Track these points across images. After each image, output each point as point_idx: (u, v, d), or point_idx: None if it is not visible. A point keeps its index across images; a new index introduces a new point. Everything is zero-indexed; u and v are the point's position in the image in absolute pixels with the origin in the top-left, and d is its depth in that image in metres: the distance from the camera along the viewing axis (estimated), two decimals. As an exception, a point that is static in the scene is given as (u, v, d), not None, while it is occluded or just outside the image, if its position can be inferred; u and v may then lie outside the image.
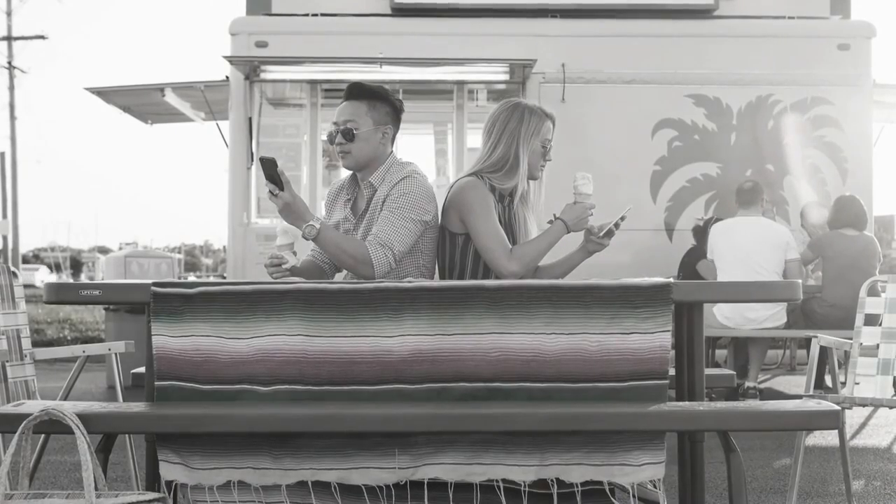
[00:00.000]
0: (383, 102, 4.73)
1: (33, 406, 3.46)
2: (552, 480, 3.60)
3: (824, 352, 5.29)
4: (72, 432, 3.30)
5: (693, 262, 9.91)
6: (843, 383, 6.43)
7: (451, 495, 3.62)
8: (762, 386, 9.73)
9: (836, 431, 5.68)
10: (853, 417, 8.42)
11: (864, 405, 4.95)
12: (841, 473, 5.55)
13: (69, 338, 17.52)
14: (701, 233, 10.15)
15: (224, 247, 12.12)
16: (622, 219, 4.65)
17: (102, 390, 10.50)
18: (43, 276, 61.73)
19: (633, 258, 10.02)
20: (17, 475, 3.44)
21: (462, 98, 11.56)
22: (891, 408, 5.03)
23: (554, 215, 4.70)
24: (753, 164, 10.87)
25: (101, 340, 15.15)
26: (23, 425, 3.31)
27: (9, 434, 3.36)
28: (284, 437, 3.62)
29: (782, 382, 11.41)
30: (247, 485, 3.65)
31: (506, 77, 11.09)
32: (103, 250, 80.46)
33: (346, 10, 11.24)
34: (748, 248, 8.85)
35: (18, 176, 37.49)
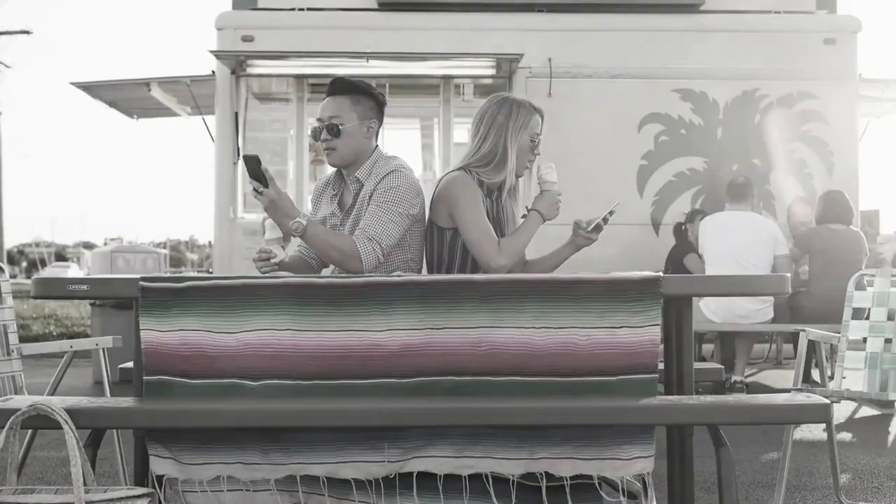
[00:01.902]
0: (367, 97, 4.72)
1: (21, 401, 3.44)
2: (541, 474, 3.60)
3: (811, 346, 5.29)
4: (60, 427, 3.28)
5: (679, 257, 9.93)
6: (831, 377, 6.45)
7: (440, 486, 3.62)
8: (748, 380, 9.73)
9: (824, 425, 5.70)
10: (839, 411, 8.45)
11: (851, 399, 4.97)
12: (828, 467, 5.56)
13: (55, 333, 17.49)
14: (679, 230, 10.21)
15: (210, 242, 12.12)
16: (611, 213, 4.64)
17: (88, 386, 10.46)
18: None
19: (620, 253, 10.00)
20: (5, 470, 3.43)
21: (448, 93, 11.56)
22: (878, 401, 5.04)
23: (526, 207, 4.72)
24: (740, 158, 10.89)
25: (86, 336, 15.10)
26: (11, 420, 3.30)
27: (-3, 429, 3.34)
28: (273, 431, 3.61)
29: (769, 377, 11.42)
30: (236, 477, 3.65)
31: (492, 72, 11.09)
32: (88, 245, 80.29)
33: (332, 4, 11.23)
34: (737, 243, 8.85)
35: (3, 172, 37.41)
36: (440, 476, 3.62)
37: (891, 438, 7.40)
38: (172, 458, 3.63)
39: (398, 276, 3.77)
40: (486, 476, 3.61)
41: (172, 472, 3.63)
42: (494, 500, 3.62)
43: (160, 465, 3.63)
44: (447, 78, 11.46)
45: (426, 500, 3.65)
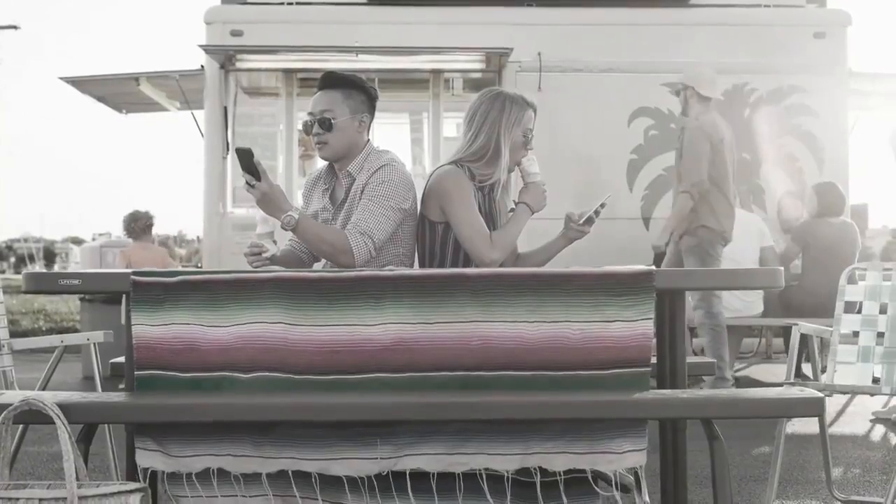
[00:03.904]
0: (358, 91, 4.70)
1: (13, 396, 3.43)
2: (535, 469, 3.60)
3: (803, 340, 5.29)
4: (51, 422, 3.27)
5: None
6: (823, 371, 6.44)
7: (434, 485, 3.61)
8: (738, 375, 9.74)
9: (815, 419, 5.69)
10: (831, 405, 8.45)
11: (843, 392, 4.97)
12: (820, 461, 5.56)
13: (44, 328, 17.46)
14: None
15: (198, 237, 12.10)
16: (602, 206, 4.63)
17: (78, 381, 10.44)
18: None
19: (610, 247, 9.97)
20: (-3, 466, 3.41)
21: (438, 87, 11.54)
22: (871, 395, 5.04)
23: (514, 201, 4.71)
24: (729, 153, 10.87)
25: (76, 331, 15.07)
26: (3, 415, 3.28)
27: (-12, 425, 3.32)
28: (265, 424, 3.60)
29: (759, 371, 11.44)
30: (227, 477, 3.63)
31: (482, 66, 11.07)
32: (76, 241, 79.96)
33: (321, -1, 11.20)
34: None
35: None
36: (433, 474, 3.61)
37: (882, 432, 7.41)
38: (160, 450, 3.61)
39: (390, 270, 3.76)
40: (480, 473, 3.61)
41: (159, 464, 3.62)
42: (489, 497, 3.61)
43: (147, 457, 3.61)
44: (437, 72, 11.44)
45: (421, 500, 3.65)
